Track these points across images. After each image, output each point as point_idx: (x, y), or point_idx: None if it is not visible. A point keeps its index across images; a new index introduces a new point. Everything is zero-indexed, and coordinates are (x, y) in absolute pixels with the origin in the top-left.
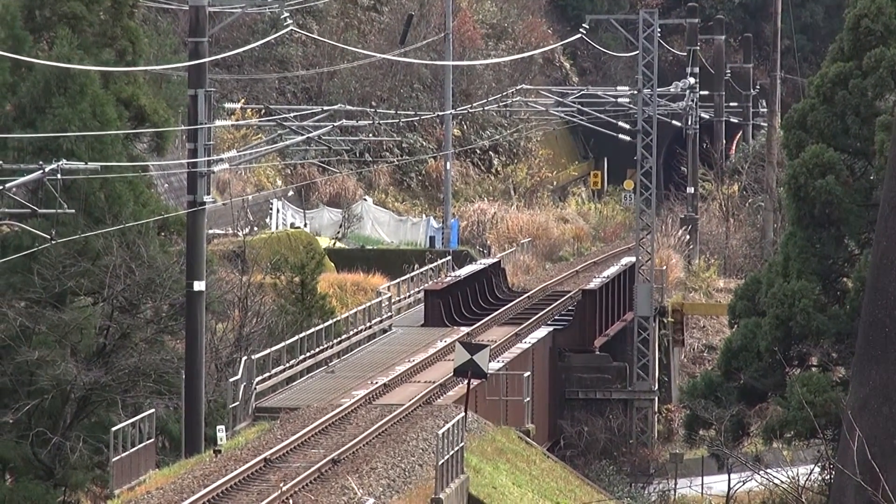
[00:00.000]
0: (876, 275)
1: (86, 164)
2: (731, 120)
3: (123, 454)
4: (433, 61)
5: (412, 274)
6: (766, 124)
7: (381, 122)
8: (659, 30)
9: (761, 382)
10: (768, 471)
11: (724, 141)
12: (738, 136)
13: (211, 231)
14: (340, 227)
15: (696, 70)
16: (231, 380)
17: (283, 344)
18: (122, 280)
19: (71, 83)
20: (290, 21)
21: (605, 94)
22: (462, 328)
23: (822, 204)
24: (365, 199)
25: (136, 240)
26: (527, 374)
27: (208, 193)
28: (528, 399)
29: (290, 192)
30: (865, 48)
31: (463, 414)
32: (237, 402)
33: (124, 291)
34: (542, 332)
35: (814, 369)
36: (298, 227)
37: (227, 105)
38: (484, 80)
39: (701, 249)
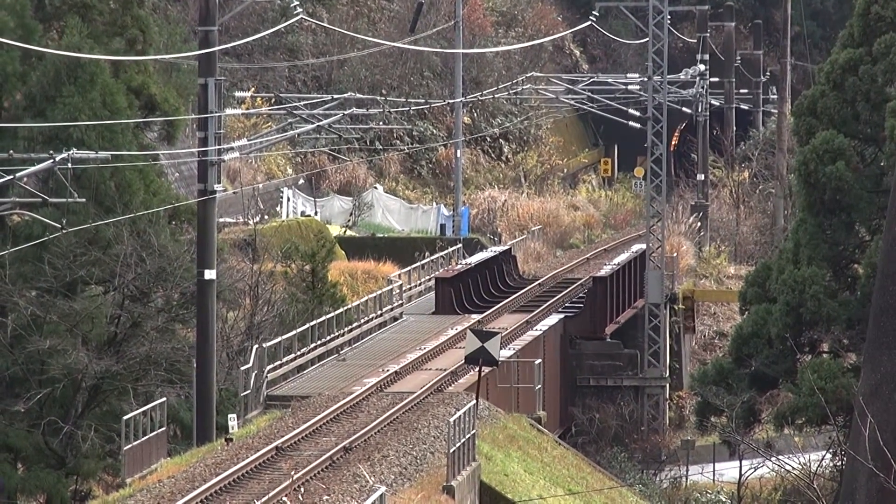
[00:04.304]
0: (887, 261)
1: (96, 153)
2: (742, 107)
3: (135, 443)
4: (443, 49)
5: (423, 262)
6: (776, 111)
7: (391, 110)
8: (669, 17)
9: (772, 369)
10: (780, 457)
11: (734, 128)
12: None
13: (222, 219)
14: (351, 215)
15: (706, 57)
16: (242, 368)
17: (294, 332)
18: (133, 269)
19: (81, 72)
20: (299, 9)
21: (615, 82)
22: (473, 316)
23: (833, 190)
24: (375, 188)
25: (146, 229)
26: (538, 361)
27: (219, 182)
28: (539, 386)
29: (301, 181)
30: (875, 34)
31: (474, 401)
32: (248, 391)
33: (135, 280)
34: (553, 319)
35: (825, 356)
36: (309, 216)
37: (238, 94)
38: (494, 68)
39: (711, 236)
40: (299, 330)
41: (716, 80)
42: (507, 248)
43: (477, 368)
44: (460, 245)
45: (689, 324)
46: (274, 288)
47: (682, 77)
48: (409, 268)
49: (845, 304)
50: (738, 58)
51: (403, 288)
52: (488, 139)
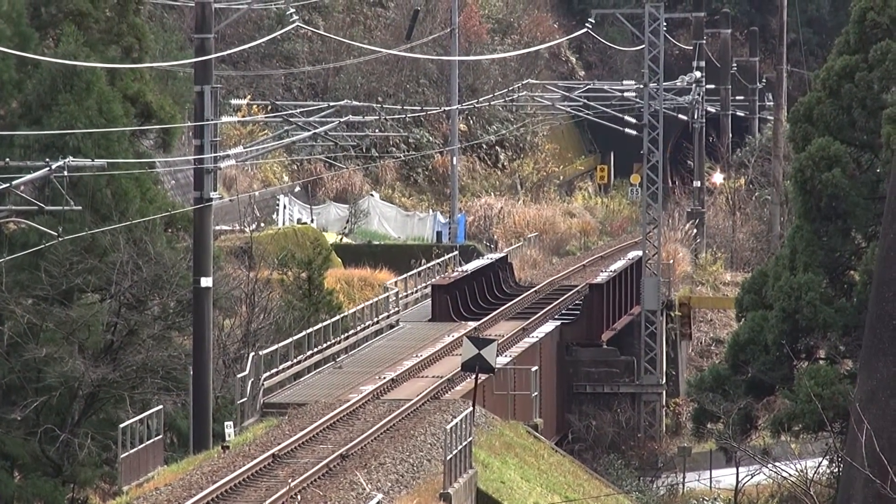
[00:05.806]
0: (883, 267)
1: (92, 160)
2: (738, 113)
3: (131, 451)
4: (439, 56)
5: (419, 269)
6: (772, 118)
7: (387, 117)
8: (665, 24)
9: (769, 375)
10: (776, 464)
11: (731, 134)
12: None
13: (218, 227)
14: (347, 222)
15: (702, 64)
16: (239, 376)
17: (290, 340)
18: (130, 277)
19: (77, 80)
20: (295, 17)
21: (611, 89)
22: (469, 323)
23: (829, 197)
24: (372, 195)
25: (143, 236)
26: (534, 368)
27: (215, 190)
28: (535, 393)
29: (297, 188)
30: (871, 41)
31: (471, 409)
32: (245, 398)
33: (131, 288)
34: (549, 326)
35: (821, 362)
36: (305, 223)
37: (234, 101)
38: (490, 75)
39: (708, 243)
40: (296, 337)
41: (712, 86)
42: (503, 255)
43: (473, 376)
44: (457, 252)
45: (686, 330)
46: (270, 295)
47: (678, 84)
48: (405, 275)
49: (841, 311)
50: (734, 65)
51: (400, 295)
52: (484, 146)
